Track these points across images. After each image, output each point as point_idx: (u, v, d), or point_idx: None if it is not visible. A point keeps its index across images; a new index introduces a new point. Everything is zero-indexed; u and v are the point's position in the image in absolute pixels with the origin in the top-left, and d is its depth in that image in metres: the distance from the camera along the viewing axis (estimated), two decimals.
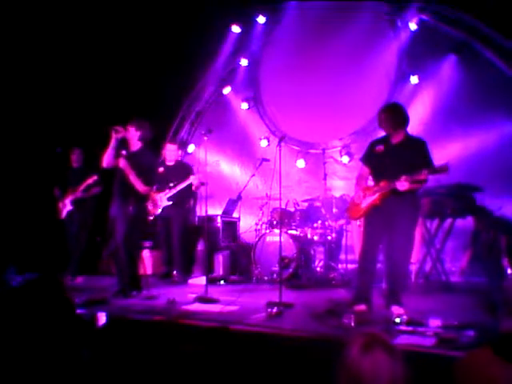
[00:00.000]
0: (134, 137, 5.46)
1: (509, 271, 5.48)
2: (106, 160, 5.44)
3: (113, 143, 5.39)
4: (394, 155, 4.35)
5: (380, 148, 4.48)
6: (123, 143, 5.50)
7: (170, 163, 6.95)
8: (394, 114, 4.41)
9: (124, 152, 5.42)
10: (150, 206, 6.39)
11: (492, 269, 5.71)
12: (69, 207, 6.98)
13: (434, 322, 3.52)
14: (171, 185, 6.66)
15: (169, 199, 6.65)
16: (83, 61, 7.68)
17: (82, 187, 6.90)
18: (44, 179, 7.33)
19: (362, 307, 4.26)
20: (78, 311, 4.15)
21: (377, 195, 4.35)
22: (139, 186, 5.32)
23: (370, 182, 4.62)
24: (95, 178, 6.88)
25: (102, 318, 3.94)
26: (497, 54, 6.94)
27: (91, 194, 6.99)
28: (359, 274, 4.55)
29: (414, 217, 4.39)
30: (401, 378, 1.62)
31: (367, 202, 4.44)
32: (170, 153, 7.03)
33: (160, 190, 6.64)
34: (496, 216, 6.09)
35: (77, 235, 6.99)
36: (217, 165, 7.11)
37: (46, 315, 2.40)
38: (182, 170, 6.94)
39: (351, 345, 1.70)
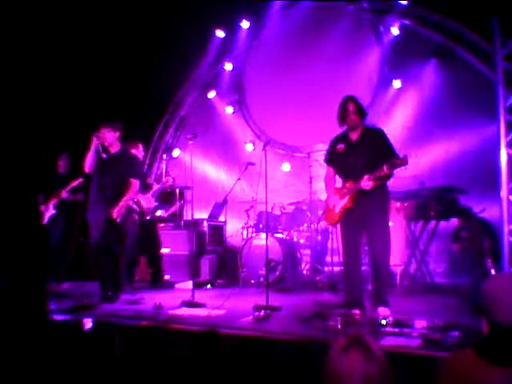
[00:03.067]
0: (114, 138, 5.48)
1: (492, 272, 5.56)
2: (89, 165, 5.45)
3: (94, 148, 5.41)
4: (355, 153, 4.30)
5: (341, 147, 4.43)
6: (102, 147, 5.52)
7: None
8: (359, 104, 4.36)
9: (104, 156, 5.43)
10: (143, 206, 6.31)
11: (476, 269, 5.80)
12: (52, 211, 6.92)
13: (420, 323, 3.55)
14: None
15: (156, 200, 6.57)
16: (68, 66, 7.64)
17: (68, 189, 6.88)
18: (28, 184, 7.25)
19: (356, 312, 4.21)
20: (64, 317, 4.14)
21: (347, 198, 4.30)
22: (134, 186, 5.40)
23: (339, 183, 4.59)
24: (81, 180, 6.87)
25: (88, 324, 3.92)
26: (477, 57, 7.04)
27: (76, 199, 6.95)
28: (346, 279, 4.50)
29: (385, 210, 4.34)
30: (376, 378, 1.64)
31: (340, 206, 4.38)
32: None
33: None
34: (479, 218, 6.20)
35: (61, 240, 6.93)
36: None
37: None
38: None
39: (332, 346, 1.72)
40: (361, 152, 4.26)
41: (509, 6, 4.26)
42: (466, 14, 6.87)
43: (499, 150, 4.06)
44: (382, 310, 4.11)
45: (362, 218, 4.27)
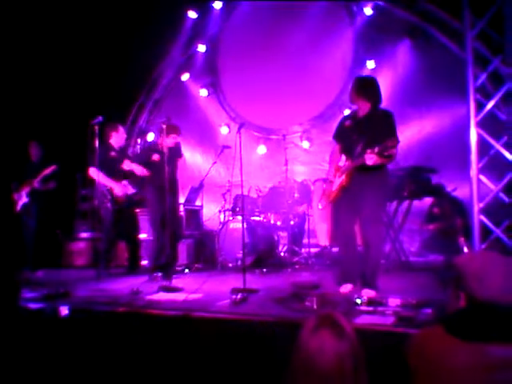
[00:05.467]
0: (174, 143, 6.01)
1: (465, 250, 5.67)
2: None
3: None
4: (360, 129, 4.33)
5: (348, 123, 4.49)
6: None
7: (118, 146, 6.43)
8: (366, 85, 4.40)
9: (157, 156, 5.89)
10: (116, 193, 6.14)
11: (449, 248, 5.91)
12: (24, 199, 6.83)
13: (394, 302, 3.61)
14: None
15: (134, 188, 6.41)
16: (39, 52, 7.46)
17: (40, 178, 6.79)
18: (1, 172, 7.13)
19: (348, 287, 4.29)
20: (39, 305, 4.10)
21: (343, 176, 4.35)
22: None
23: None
24: (54, 167, 6.80)
25: (64, 311, 3.90)
26: (449, 37, 7.07)
27: (48, 187, 6.86)
28: (341, 257, 4.63)
29: (381, 192, 4.34)
30: (347, 356, 1.65)
31: (336, 184, 4.45)
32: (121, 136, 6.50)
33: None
34: (451, 197, 6.30)
35: (34, 228, 6.86)
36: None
37: None
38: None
39: (304, 326, 1.74)
40: (364, 129, 4.29)
41: None
42: None
43: (469, 129, 4.11)
44: (367, 292, 4.06)
45: (356, 198, 4.30)
